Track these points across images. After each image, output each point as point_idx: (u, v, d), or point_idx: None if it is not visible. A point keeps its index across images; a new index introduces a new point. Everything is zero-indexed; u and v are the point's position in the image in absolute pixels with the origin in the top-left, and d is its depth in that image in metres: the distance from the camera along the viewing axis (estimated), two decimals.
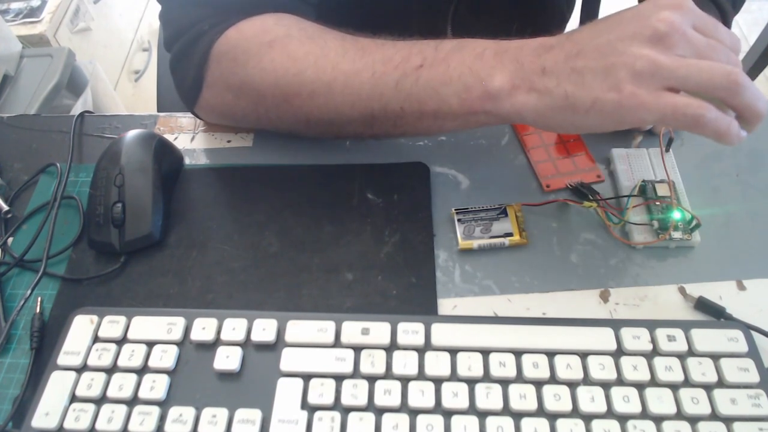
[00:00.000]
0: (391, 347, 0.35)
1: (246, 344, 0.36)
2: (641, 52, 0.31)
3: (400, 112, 0.39)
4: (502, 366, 0.34)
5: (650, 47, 0.31)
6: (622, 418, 0.32)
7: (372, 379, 0.34)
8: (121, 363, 0.35)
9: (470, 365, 0.34)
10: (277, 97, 0.42)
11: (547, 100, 0.34)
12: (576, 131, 0.36)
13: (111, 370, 0.35)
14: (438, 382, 0.34)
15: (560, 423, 0.32)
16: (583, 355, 0.34)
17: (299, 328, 0.36)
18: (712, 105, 0.31)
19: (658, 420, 0.32)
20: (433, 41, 0.38)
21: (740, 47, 0.33)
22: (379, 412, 0.33)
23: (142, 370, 0.35)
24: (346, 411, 0.33)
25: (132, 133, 0.46)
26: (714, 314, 0.38)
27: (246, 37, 0.42)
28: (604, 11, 0.63)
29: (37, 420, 0.34)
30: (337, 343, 0.35)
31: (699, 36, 0.32)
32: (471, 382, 0.34)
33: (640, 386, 0.33)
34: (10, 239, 0.44)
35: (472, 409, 0.33)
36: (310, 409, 0.33)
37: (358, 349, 0.35)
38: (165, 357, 0.35)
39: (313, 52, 0.40)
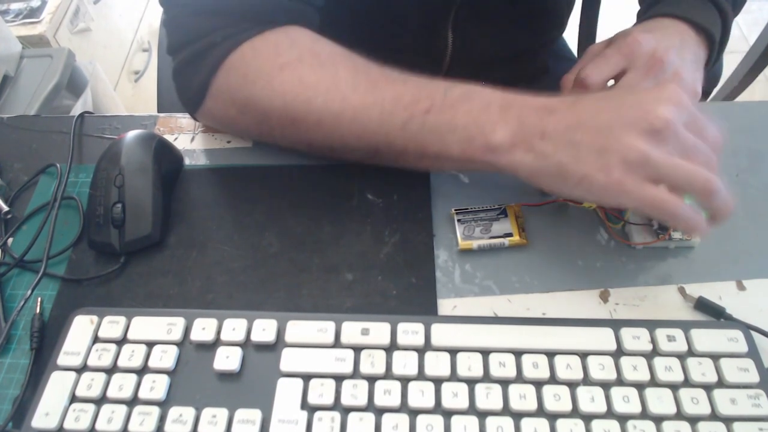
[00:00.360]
0: (391, 347, 0.35)
1: (246, 344, 0.36)
2: (635, 144, 0.34)
3: (403, 150, 0.40)
4: (502, 366, 0.34)
5: (644, 140, 0.34)
6: (622, 418, 0.32)
7: (372, 380, 0.34)
8: (121, 363, 0.35)
9: (470, 365, 0.34)
10: (284, 120, 0.42)
11: (542, 163, 0.36)
12: (563, 196, 0.38)
13: (111, 370, 0.35)
14: (438, 382, 0.34)
15: (560, 423, 0.32)
16: (583, 355, 0.34)
17: (299, 329, 0.36)
18: (683, 201, 0.34)
19: (658, 420, 0.32)
20: (443, 84, 0.39)
21: (722, 146, 0.36)
22: (379, 412, 0.33)
23: (142, 371, 0.35)
24: (346, 411, 0.33)
25: (132, 134, 0.46)
26: (714, 314, 0.38)
27: (259, 55, 0.42)
28: (602, 14, 0.63)
29: (37, 420, 0.34)
30: (337, 344, 0.35)
31: (689, 135, 0.35)
32: (471, 382, 0.34)
33: (640, 386, 0.33)
34: (10, 239, 0.44)
35: (472, 409, 0.33)
36: (310, 409, 0.33)
37: (358, 350, 0.35)
38: (165, 357, 0.35)
39: (325, 80, 0.40)
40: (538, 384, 0.34)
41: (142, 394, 0.34)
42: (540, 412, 0.33)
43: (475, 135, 0.37)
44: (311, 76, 0.41)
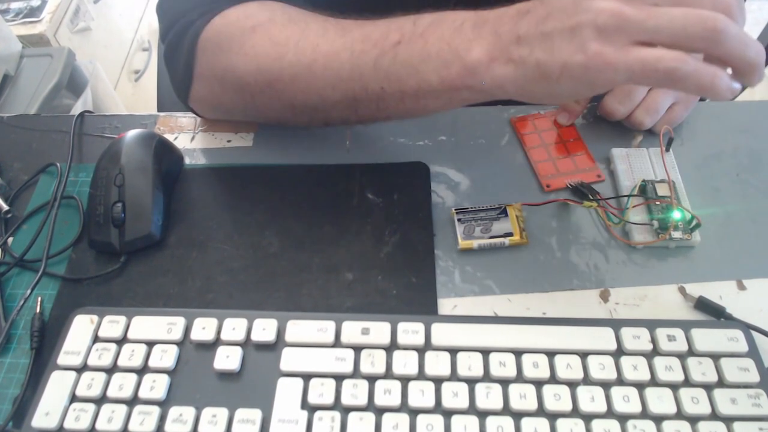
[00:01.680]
0: (391, 347, 0.35)
1: (246, 344, 0.36)
2: (605, 6, 0.29)
3: (381, 92, 0.38)
4: (502, 366, 0.34)
5: None
6: (622, 418, 0.32)
7: (372, 379, 0.34)
8: (121, 363, 0.35)
9: (470, 365, 0.34)
10: (260, 83, 0.41)
11: (522, 70, 0.33)
12: (556, 100, 0.34)
13: (111, 370, 0.35)
14: (438, 381, 0.34)
15: (560, 423, 0.32)
16: (583, 355, 0.34)
17: (299, 328, 0.36)
18: (690, 57, 0.28)
19: (658, 420, 0.32)
20: (413, 15, 0.37)
21: None
22: (379, 411, 0.33)
23: (142, 370, 0.35)
24: (346, 411, 0.33)
25: (132, 133, 0.46)
26: (714, 314, 0.38)
27: (229, 22, 0.42)
28: None
29: (38, 420, 0.34)
30: (337, 343, 0.35)
31: None
32: (471, 382, 0.34)
33: (640, 386, 0.33)
34: (10, 239, 0.44)
35: (472, 409, 0.33)
36: (310, 408, 0.33)
37: (358, 349, 0.35)
38: (165, 357, 0.35)
39: (294, 34, 0.40)
40: (539, 384, 0.34)
41: (143, 393, 0.34)
42: (540, 411, 0.33)
43: (450, 59, 0.34)
44: (281, 33, 0.40)
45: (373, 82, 0.38)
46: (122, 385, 0.34)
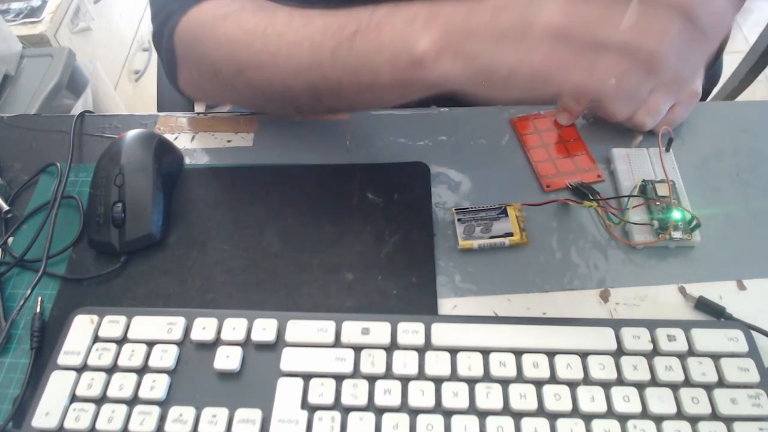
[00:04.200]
0: (391, 347, 0.35)
1: (246, 344, 0.36)
2: (555, 9, 0.28)
3: (339, 83, 0.38)
4: (502, 366, 0.34)
5: (567, 3, 0.28)
6: (623, 418, 0.32)
7: (372, 379, 0.34)
8: (121, 363, 0.35)
9: (470, 365, 0.34)
10: (232, 70, 0.42)
11: (471, 67, 0.31)
12: (505, 102, 0.34)
13: (111, 369, 0.35)
14: (438, 381, 0.34)
15: (560, 423, 0.32)
16: (583, 355, 0.34)
17: (299, 328, 0.36)
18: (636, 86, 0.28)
19: (659, 420, 0.32)
20: (372, 6, 0.37)
21: None
22: (379, 411, 0.33)
23: (142, 370, 0.35)
24: (346, 411, 0.33)
25: (132, 133, 0.46)
26: (714, 314, 0.38)
27: (205, 12, 0.43)
28: None
29: (38, 420, 0.34)
30: (337, 343, 0.35)
31: None
32: (471, 382, 0.34)
33: (640, 386, 0.33)
34: (10, 239, 0.44)
35: (472, 409, 0.33)
36: (310, 408, 0.33)
37: (358, 349, 0.35)
38: (165, 357, 0.35)
39: (262, 22, 0.41)
40: (539, 384, 0.34)
41: (143, 393, 0.34)
42: (540, 411, 0.33)
43: (400, 51, 0.34)
44: (251, 21, 0.41)
45: (331, 73, 0.38)
46: (122, 385, 0.34)
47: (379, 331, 0.35)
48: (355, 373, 0.34)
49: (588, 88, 0.29)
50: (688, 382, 0.33)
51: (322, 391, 0.33)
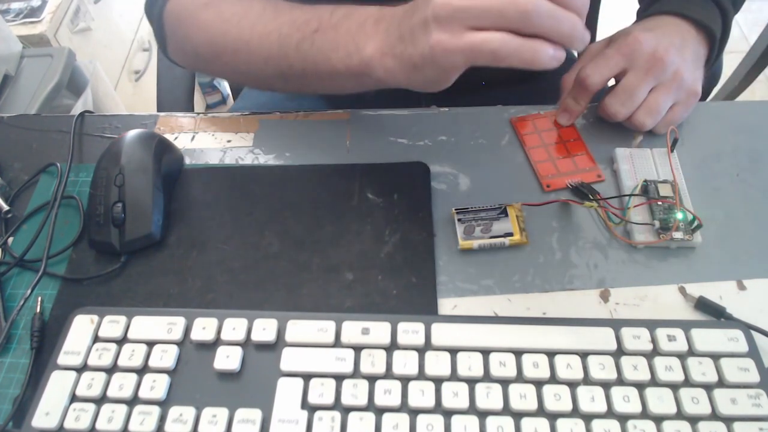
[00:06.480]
0: (391, 347, 0.35)
1: (246, 344, 0.36)
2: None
3: (303, 72, 0.43)
4: (502, 366, 0.34)
5: None
6: (623, 418, 0.32)
7: (372, 379, 0.34)
8: (121, 363, 0.35)
9: (470, 365, 0.34)
10: (210, 54, 0.47)
11: (401, 63, 0.36)
12: (433, 88, 0.37)
13: (111, 369, 0.35)
14: (438, 381, 0.34)
15: (560, 423, 0.32)
16: (583, 355, 0.34)
17: (299, 328, 0.36)
18: (514, 36, 0.31)
19: (659, 420, 0.32)
20: (333, 6, 0.41)
21: None
22: (379, 411, 0.33)
23: (142, 370, 0.35)
24: (346, 411, 0.33)
25: (132, 133, 0.46)
26: (714, 314, 0.38)
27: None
28: (602, 13, 0.63)
29: (38, 420, 0.34)
30: (337, 343, 0.35)
31: None
32: (471, 382, 0.34)
33: (640, 386, 0.33)
34: (11, 239, 0.44)
35: (472, 409, 0.33)
36: (310, 408, 0.33)
37: (358, 349, 0.35)
38: (165, 357, 0.35)
39: (238, 12, 0.45)
40: (539, 384, 0.34)
41: (143, 393, 0.34)
42: (540, 411, 0.33)
43: (352, 51, 0.39)
44: (229, 10, 0.46)
45: (296, 62, 0.43)
46: (122, 385, 0.34)
47: (379, 331, 0.35)
48: (355, 373, 0.34)
49: (473, 59, 0.33)
50: (688, 382, 0.33)
51: (322, 391, 0.33)
